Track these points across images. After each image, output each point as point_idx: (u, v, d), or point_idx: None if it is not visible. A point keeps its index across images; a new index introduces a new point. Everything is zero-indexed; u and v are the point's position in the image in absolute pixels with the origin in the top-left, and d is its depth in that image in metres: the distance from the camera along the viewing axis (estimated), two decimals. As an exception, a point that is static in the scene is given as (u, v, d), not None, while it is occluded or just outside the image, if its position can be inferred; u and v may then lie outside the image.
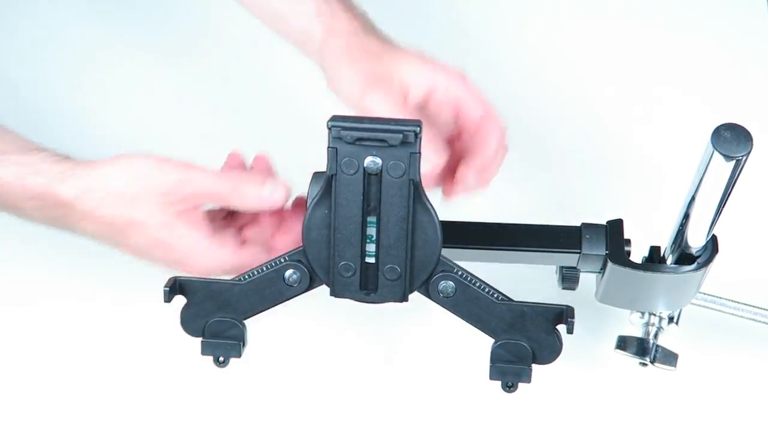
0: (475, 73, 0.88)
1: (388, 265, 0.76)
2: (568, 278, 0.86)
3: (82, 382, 0.96)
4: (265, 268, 0.79)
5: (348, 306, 0.97)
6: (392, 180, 0.74)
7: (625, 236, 0.84)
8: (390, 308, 0.98)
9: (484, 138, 0.85)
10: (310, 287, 0.79)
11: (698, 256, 0.82)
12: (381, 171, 0.73)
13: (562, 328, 0.77)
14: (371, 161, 0.73)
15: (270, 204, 0.81)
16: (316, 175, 0.79)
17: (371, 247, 0.76)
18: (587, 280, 0.88)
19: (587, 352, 0.97)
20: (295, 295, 0.79)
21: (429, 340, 0.99)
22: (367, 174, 0.74)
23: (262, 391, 0.96)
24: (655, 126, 1.09)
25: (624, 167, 1.06)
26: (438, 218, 0.76)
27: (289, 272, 0.78)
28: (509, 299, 0.78)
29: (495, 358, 0.78)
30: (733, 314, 0.93)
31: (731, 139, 0.72)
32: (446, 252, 0.78)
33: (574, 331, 0.77)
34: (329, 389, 0.97)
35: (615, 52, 1.13)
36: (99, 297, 1.00)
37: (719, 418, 0.96)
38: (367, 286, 0.78)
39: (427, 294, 0.78)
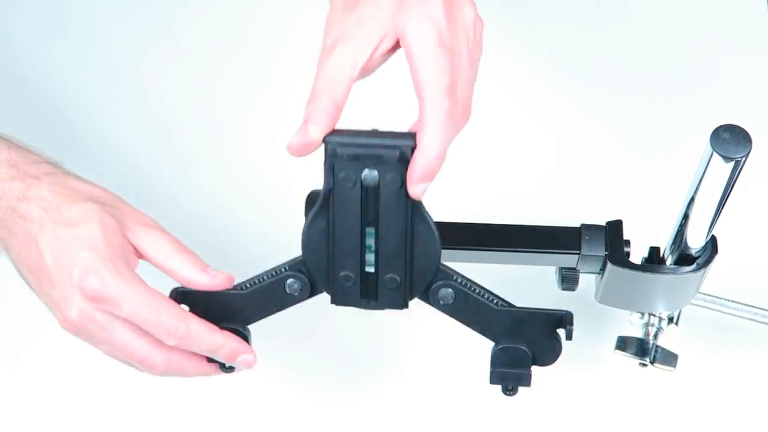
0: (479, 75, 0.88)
1: (388, 275, 0.77)
2: (568, 279, 0.86)
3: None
4: (265, 278, 0.79)
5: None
6: (390, 192, 0.73)
7: (625, 237, 0.84)
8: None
9: (421, 130, 0.72)
10: (311, 295, 0.79)
11: (698, 257, 0.82)
12: (378, 184, 0.73)
13: (562, 332, 0.78)
14: (368, 174, 0.73)
15: (208, 282, 0.78)
16: (312, 195, 0.79)
17: (371, 257, 0.76)
18: (587, 280, 0.88)
19: (587, 353, 0.97)
20: (298, 302, 0.79)
21: (428, 342, 0.99)
22: (364, 187, 0.73)
23: (262, 392, 0.96)
24: (654, 126, 1.09)
25: (623, 168, 1.06)
26: (436, 229, 0.76)
27: (290, 281, 0.78)
28: (509, 305, 0.79)
29: (495, 362, 0.80)
30: (732, 314, 0.93)
31: (730, 140, 0.72)
32: (445, 253, 0.77)
33: (574, 330, 0.77)
34: (329, 390, 0.97)
35: (615, 52, 1.13)
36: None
37: (719, 418, 0.96)
38: (368, 294, 0.78)
39: (427, 300, 0.79)
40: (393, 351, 0.99)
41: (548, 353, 0.79)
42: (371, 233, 0.75)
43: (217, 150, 1.09)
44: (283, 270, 0.78)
